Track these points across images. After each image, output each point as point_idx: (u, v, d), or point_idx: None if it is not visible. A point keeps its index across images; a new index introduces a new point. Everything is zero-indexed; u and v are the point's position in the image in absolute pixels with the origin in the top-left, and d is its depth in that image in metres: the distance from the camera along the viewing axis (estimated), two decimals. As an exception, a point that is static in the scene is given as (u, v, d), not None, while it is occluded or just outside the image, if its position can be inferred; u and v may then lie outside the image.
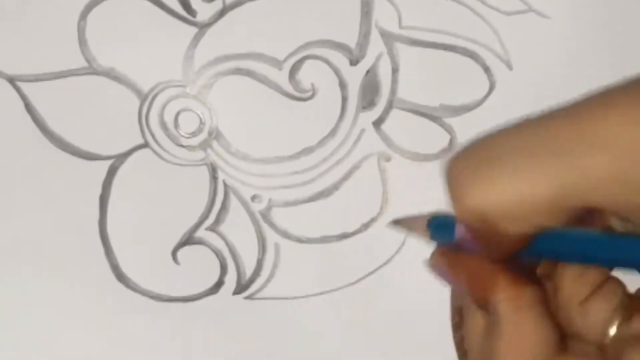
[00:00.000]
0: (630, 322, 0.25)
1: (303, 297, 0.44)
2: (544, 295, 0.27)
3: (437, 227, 0.29)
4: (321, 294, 0.44)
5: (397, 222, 0.30)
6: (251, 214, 0.45)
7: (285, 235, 0.45)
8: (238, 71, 0.44)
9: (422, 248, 0.30)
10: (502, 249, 0.26)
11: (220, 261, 0.45)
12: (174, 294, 0.44)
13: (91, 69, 0.44)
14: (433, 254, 0.28)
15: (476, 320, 0.28)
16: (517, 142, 0.25)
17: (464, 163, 0.26)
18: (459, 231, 0.27)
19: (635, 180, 0.23)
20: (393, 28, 0.45)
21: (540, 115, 0.25)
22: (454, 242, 0.28)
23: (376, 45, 0.45)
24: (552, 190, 0.24)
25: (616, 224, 0.27)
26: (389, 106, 0.45)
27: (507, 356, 0.26)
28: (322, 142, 0.45)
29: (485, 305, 0.27)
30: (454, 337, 0.30)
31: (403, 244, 0.44)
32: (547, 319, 0.26)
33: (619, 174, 0.24)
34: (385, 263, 0.45)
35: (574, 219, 0.26)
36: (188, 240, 0.45)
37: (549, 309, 0.27)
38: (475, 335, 0.28)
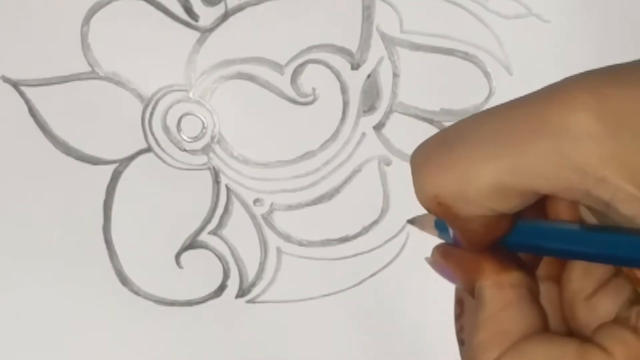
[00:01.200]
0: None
1: (304, 300, 0.45)
2: (530, 282, 0.28)
3: (441, 226, 0.30)
4: (323, 296, 0.45)
5: (412, 221, 0.31)
6: (253, 218, 0.45)
7: (287, 238, 0.45)
8: (240, 75, 0.45)
9: (422, 251, 0.31)
10: (471, 234, 0.27)
11: (222, 265, 0.45)
12: (177, 298, 0.44)
13: (94, 74, 0.44)
14: (432, 251, 0.29)
15: (472, 310, 0.28)
16: (471, 130, 0.26)
17: (423, 152, 0.27)
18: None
19: (577, 165, 0.24)
20: (394, 32, 0.45)
21: (497, 106, 0.26)
22: (452, 239, 0.29)
23: (377, 49, 0.45)
24: (499, 174, 0.25)
25: (586, 214, 0.28)
26: (390, 110, 0.45)
27: (485, 327, 0.27)
28: (323, 146, 0.45)
29: (473, 292, 0.28)
30: (455, 326, 0.30)
31: (404, 246, 0.45)
32: (529, 302, 0.27)
33: (561, 159, 0.24)
34: (387, 265, 0.45)
35: (531, 206, 0.26)
36: (191, 244, 0.45)
37: (536, 296, 0.27)
38: (471, 323, 0.28)
